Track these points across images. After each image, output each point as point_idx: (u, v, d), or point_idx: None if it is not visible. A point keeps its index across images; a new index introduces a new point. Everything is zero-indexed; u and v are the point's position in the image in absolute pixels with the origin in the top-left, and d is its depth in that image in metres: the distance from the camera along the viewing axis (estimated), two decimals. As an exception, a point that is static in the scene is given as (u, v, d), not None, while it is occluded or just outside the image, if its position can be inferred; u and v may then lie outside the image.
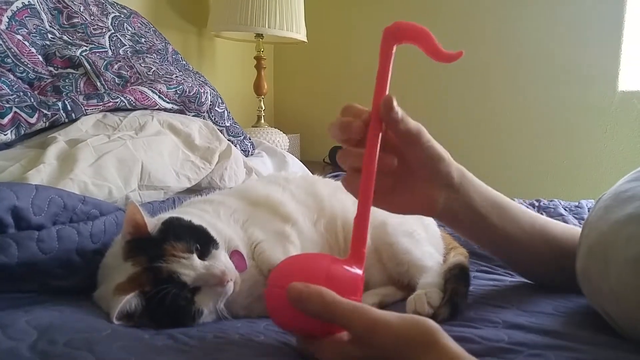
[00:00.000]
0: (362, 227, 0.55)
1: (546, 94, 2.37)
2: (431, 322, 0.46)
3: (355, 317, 0.46)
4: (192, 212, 0.78)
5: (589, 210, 0.87)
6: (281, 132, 2.28)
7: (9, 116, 0.86)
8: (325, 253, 0.62)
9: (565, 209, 1.31)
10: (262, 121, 2.34)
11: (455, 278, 0.74)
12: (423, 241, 0.86)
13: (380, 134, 0.56)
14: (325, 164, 2.62)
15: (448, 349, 0.45)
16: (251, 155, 1.53)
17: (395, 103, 0.55)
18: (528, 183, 2.42)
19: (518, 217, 0.71)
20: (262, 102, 2.35)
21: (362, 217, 0.55)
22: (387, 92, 0.57)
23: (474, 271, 0.91)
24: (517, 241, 0.70)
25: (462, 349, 0.46)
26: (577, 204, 1.36)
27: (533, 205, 1.36)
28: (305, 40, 2.28)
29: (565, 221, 1.19)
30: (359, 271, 0.53)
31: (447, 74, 2.53)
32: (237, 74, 2.56)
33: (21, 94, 0.97)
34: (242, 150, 1.47)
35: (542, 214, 1.26)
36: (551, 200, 1.39)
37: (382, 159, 0.57)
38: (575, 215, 1.26)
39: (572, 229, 0.75)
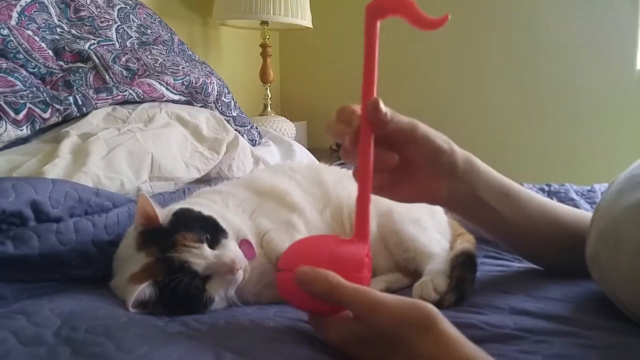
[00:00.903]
0: (364, 207, 0.57)
1: (560, 73, 2.33)
2: (430, 306, 0.48)
3: (357, 299, 0.49)
4: (202, 203, 0.80)
5: (601, 194, 0.87)
6: (288, 120, 2.29)
7: (24, 112, 0.88)
8: (331, 234, 0.64)
9: (577, 194, 1.29)
10: (269, 109, 2.35)
11: (462, 265, 0.75)
12: (430, 228, 0.87)
13: (373, 134, 0.57)
14: (332, 150, 2.63)
15: (445, 332, 0.46)
16: (258, 144, 1.55)
17: (381, 105, 0.55)
18: (539, 166, 2.40)
19: (527, 203, 0.71)
20: (268, 90, 2.36)
21: (362, 198, 0.57)
22: (375, 77, 0.57)
23: (481, 257, 0.91)
24: (525, 228, 0.71)
25: (460, 333, 0.47)
26: (589, 188, 1.33)
27: (543, 190, 1.33)
28: (311, 26, 2.28)
29: (576, 206, 1.16)
30: (363, 249, 0.55)
31: (459, 53, 2.51)
32: (243, 63, 2.56)
33: (34, 89, 0.99)
34: (249, 139, 1.48)
35: (552, 198, 1.26)
36: (562, 185, 1.35)
37: (381, 156, 0.58)
38: (588, 200, 1.24)
39: (582, 214, 0.75)
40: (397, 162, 0.61)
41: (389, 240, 0.86)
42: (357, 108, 0.58)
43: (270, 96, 2.37)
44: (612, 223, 0.60)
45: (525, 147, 2.44)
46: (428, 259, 0.81)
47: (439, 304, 0.68)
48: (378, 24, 0.57)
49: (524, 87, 2.43)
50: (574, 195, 1.25)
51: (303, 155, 1.61)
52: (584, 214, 0.75)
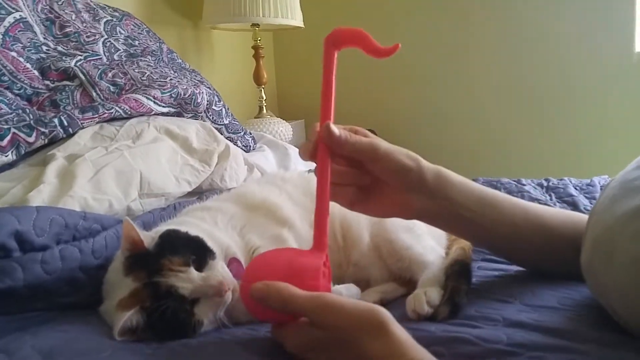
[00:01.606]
0: (322, 219, 0.61)
1: (556, 63, 2.30)
2: (383, 311, 0.50)
3: (310, 305, 0.51)
4: (189, 222, 0.79)
5: (601, 189, 0.85)
6: (284, 121, 2.28)
7: (8, 137, 0.87)
8: (292, 247, 0.70)
9: (575, 188, 1.28)
10: (264, 111, 2.34)
11: (456, 275, 0.74)
12: (424, 235, 0.86)
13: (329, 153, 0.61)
14: (331, 148, 2.62)
15: (396, 336, 0.48)
16: (253, 150, 1.53)
17: (332, 129, 0.58)
18: (537, 161, 2.37)
19: (509, 211, 0.70)
20: (262, 92, 2.34)
21: (320, 211, 0.61)
22: (333, 102, 0.61)
23: (478, 260, 0.90)
24: (509, 235, 0.70)
25: (411, 338, 0.49)
26: (589, 181, 1.32)
27: (542, 186, 1.32)
28: (302, 25, 2.26)
29: (575, 202, 1.17)
30: (320, 258, 0.58)
31: (453, 47, 2.49)
32: (237, 65, 2.55)
33: (20, 111, 0.98)
34: (243, 146, 1.47)
35: (550, 194, 1.25)
36: (561, 179, 1.35)
37: (347, 174, 0.63)
38: (587, 195, 1.23)
39: (570, 218, 0.73)
40: (366, 180, 0.64)
41: (383, 249, 0.85)
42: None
43: (265, 98, 2.35)
44: (607, 232, 0.58)
45: (523, 142, 2.41)
46: (423, 267, 0.80)
47: (433, 317, 0.68)
48: (336, 55, 0.61)
49: (519, 79, 2.40)
50: (573, 191, 1.24)
51: (298, 159, 1.60)
52: (572, 217, 0.74)
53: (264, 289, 0.54)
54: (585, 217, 0.69)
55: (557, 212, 0.75)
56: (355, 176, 0.64)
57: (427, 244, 0.85)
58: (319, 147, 0.60)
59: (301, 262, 0.58)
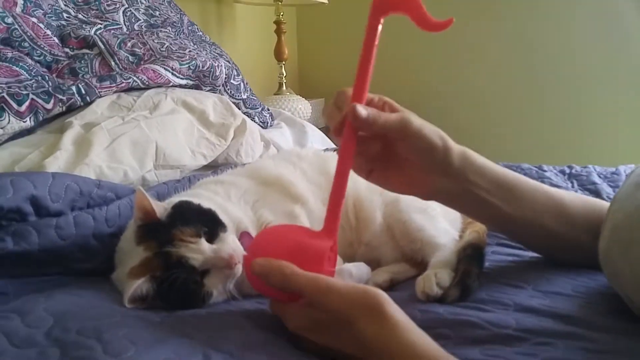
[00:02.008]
0: (337, 203, 0.59)
1: (584, 43, 2.24)
2: (380, 293, 0.50)
3: (309, 285, 0.52)
4: (203, 194, 0.79)
5: (622, 184, 0.83)
6: (303, 99, 2.26)
7: (27, 103, 0.88)
8: (302, 226, 0.67)
9: (599, 176, 1.24)
10: (284, 88, 2.32)
11: (469, 258, 0.73)
12: (438, 217, 0.85)
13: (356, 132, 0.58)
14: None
15: (391, 318, 0.48)
16: (270, 126, 1.53)
17: (359, 111, 0.56)
18: (560, 147, 2.32)
19: (530, 195, 0.68)
20: (283, 69, 2.32)
21: (336, 195, 0.59)
22: (370, 74, 0.57)
23: (492, 244, 0.89)
24: (528, 221, 0.68)
25: (409, 320, 0.49)
26: (613, 170, 1.28)
27: (564, 173, 1.29)
28: (326, 1, 2.23)
29: (597, 191, 1.14)
30: (328, 243, 0.57)
31: (473, 33, 2.44)
32: (258, 41, 2.53)
33: (39, 78, 0.99)
34: (260, 122, 1.47)
35: (572, 181, 1.22)
36: (585, 167, 1.31)
37: (366, 148, 0.60)
38: (611, 183, 1.19)
39: (593, 206, 0.71)
40: (389, 154, 0.62)
41: (395, 230, 0.84)
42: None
43: (285, 74, 2.33)
44: (627, 220, 0.57)
45: (546, 127, 2.36)
46: (435, 249, 0.79)
47: (442, 299, 0.67)
48: (382, 21, 0.56)
49: (545, 62, 2.34)
50: (596, 179, 1.20)
51: (316, 137, 1.59)
52: (593, 203, 0.72)
53: (266, 264, 0.54)
54: (606, 204, 0.68)
55: (578, 198, 0.72)
56: (378, 148, 0.62)
57: (441, 225, 0.83)
58: (345, 129, 0.57)
59: (308, 243, 0.57)
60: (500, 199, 0.66)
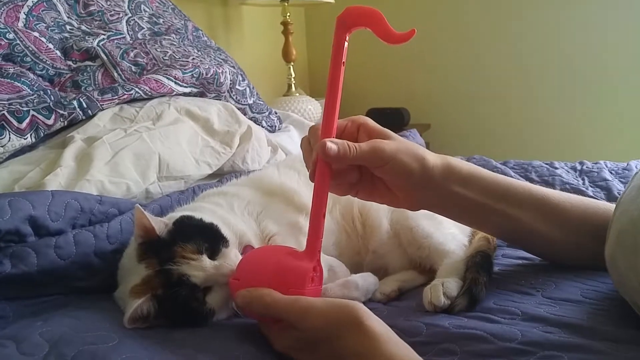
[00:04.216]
0: (317, 224, 0.60)
1: (595, 38, 2.20)
2: (358, 307, 0.52)
3: (289, 309, 0.54)
4: (205, 208, 0.78)
5: (625, 186, 0.81)
6: (313, 99, 2.25)
7: (27, 120, 0.88)
8: (285, 246, 0.67)
9: (611, 172, 1.24)
10: (293, 89, 2.30)
11: (477, 266, 0.71)
12: (445, 222, 0.83)
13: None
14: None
15: (370, 330, 0.50)
16: (278, 130, 1.51)
17: (329, 147, 0.57)
18: (572, 143, 2.29)
19: (526, 202, 0.67)
20: (291, 70, 2.31)
21: (315, 216, 0.61)
22: (338, 102, 0.59)
23: (504, 247, 0.87)
24: (524, 227, 0.67)
25: (387, 327, 0.51)
26: (625, 165, 1.28)
27: (575, 169, 1.28)
28: (333, 1, 2.21)
29: (609, 187, 1.14)
30: (310, 264, 0.59)
31: (483, 24, 2.41)
32: (266, 42, 2.51)
33: (41, 92, 0.98)
34: (268, 126, 1.45)
35: (583, 178, 1.21)
36: (596, 163, 1.31)
37: (344, 178, 0.62)
38: (622, 179, 1.19)
39: (593, 208, 0.69)
40: (368, 178, 0.63)
41: (402, 236, 0.83)
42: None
43: (293, 75, 2.32)
44: (631, 225, 0.56)
45: (557, 123, 2.32)
46: (443, 256, 0.78)
47: (450, 309, 0.66)
48: (347, 38, 0.58)
49: (554, 57, 2.31)
50: (607, 175, 1.19)
51: (324, 139, 1.57)
52: (597, 208, 0.69)
53: (247, 295, 0.57)
54: (611, 207, 0.66)
55: (580, 203, 0.70)
56: (357, 175, 0.63)
57: (449, 232, 0.82)
58: (318, 164, 0.59)
59: (291, 266, 0.59)
60: (489, 208, 0.66)
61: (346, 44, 0.59)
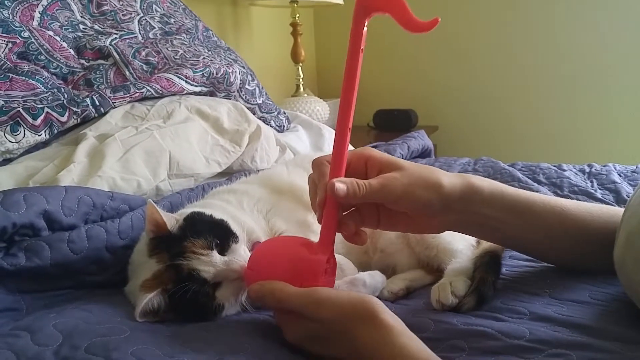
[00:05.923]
0: (331, 221, 0.60)
1: (603, 40, 2.19)
2: (373, 300, 0.52)
3: (302, 302, 0.54)
4: (215, 204, 0.79)
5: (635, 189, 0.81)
6: (321, 100, 2.25)
7: (42, 117, 0.89)
8: (299, 238, 0.65)
9: (620, 175, 1.23)
10: (301, 90, 2.31)
11: (485, 266, 0.71)
12: (453, 222, 0.83)
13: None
14: (369, 128, 2.58)
15: (384, 323, 0.50)
16: (286, 130, 1.52)
17: (338, 187, 0.56)
18: (580, 145, 2.28)
19: (543, 216, 0.66)
20: (300, 70, 2.32)
21: (328, 215, 0.60)
22: (356, 89, 0.59)
23: (511, 251, 0.87)
24: (540, 240, 0.68)
25: (400, 322, 0.51)
26: (633, 168, 1.27)
27: (583, 172, 1.28)
28: (342, 2, 2.21)
29: (617, 190, 1.13)
30: (324, 257, 0.59)
31: (494, 24, 2.41)
32: (275, 43, 2.52)
33: (55, 90, 1.00)
34: (276, 126, 1.46)
35: (592, 181, 1.20)
36: (604, 165, 1.30)
37: (360, 214, 0.62)
38: (631, 182, 1.18)
39: (607, 214, 0.68)
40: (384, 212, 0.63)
41: (410, 236, 0.83)
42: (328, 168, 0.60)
43: (302, 76, 2.33)
44: None
45: (566, 125, 2.31)
46: (451, 256, 0.78)
47: (458, 308, 0.66)
48: (366, 25, 0.55)
49: (563, 59, 2.31)
50: (616, 177, 1.19)
51: (332, 140, 1.57)
52: (610, 216, 0.68)
53: (259, 289, 0.57)
54: (621, 211, 0.65)
55: (596, 212, 0.69)
56: (373, 208, 0.63)
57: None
58: (327, 201, 0.59)
59: (304, 259, 0.58)
60: (511, 225, 0.65)
61: (365, 29, 0.56)
